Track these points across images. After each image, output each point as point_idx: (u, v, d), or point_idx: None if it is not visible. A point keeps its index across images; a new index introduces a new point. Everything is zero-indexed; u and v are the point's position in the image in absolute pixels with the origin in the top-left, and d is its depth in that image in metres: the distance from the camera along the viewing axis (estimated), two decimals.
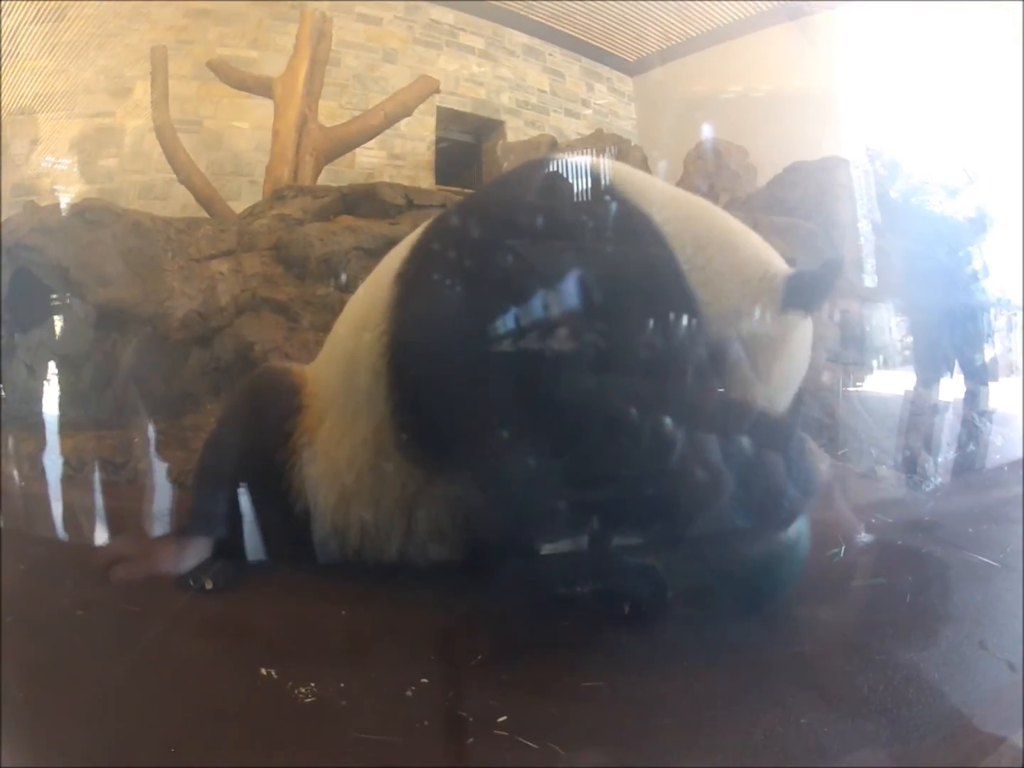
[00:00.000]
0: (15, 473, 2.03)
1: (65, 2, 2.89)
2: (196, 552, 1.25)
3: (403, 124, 2.46)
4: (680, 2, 2.91)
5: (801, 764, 0.76)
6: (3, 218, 2.54)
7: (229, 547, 1.24)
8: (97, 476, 1.99)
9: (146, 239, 1.99)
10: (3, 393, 2.59)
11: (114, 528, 1.73)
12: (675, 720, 0.83)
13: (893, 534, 1.47)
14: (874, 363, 2.62)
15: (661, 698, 0.87)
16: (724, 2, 3.05)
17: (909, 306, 2.67)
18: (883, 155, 3.05)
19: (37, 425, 2.18)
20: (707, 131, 2.61)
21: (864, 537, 1.42)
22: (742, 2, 3.12)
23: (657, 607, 1.09)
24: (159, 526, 1.53)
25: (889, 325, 2.64)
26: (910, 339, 2.70)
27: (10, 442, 2.18)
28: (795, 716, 0.82)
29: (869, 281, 2.67)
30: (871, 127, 3.02)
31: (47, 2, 2.88)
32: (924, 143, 3.09)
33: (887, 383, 2.58)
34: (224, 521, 1.25)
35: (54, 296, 2.30)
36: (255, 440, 1.21)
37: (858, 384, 2.55)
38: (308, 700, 0.87)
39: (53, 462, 2.03)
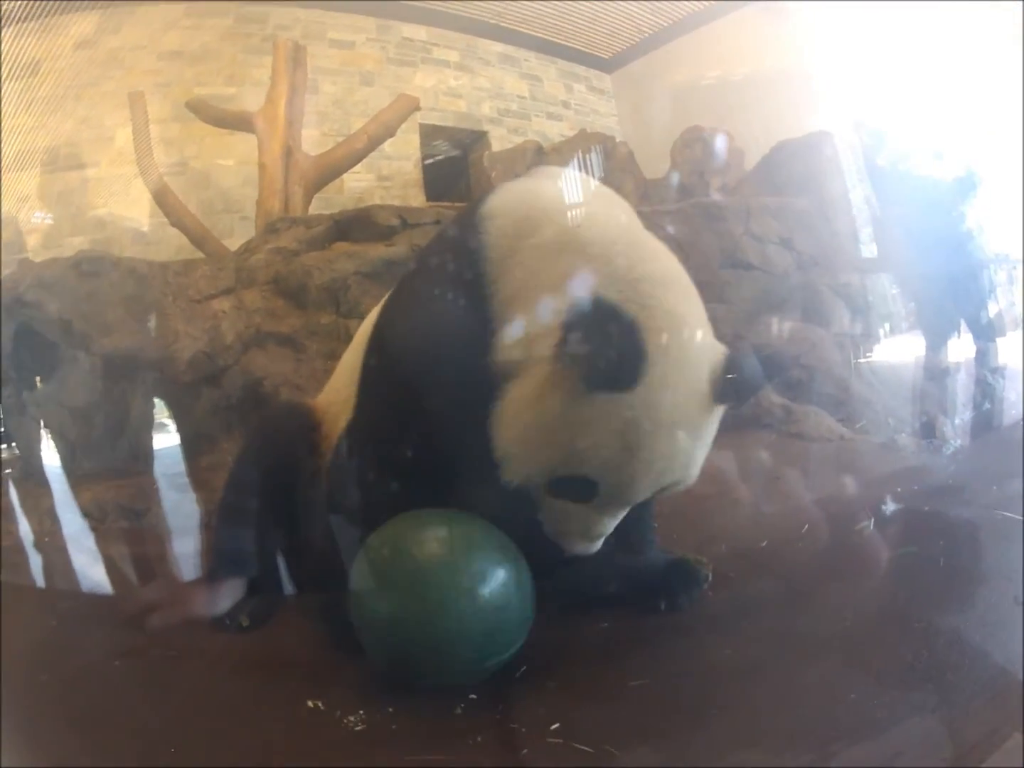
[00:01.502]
0: (35, 529, 2.03)
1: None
2: (228, 592, 1.25)
3: (388, 145, 2.47)
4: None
5: (855, 740, 0.76)
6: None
7: (259, 584, 1.24)
8: (119, 524, 1.99)
9: (144, 285, 2.00)
10: (8, 448, 2.60)
11: (143, 575, 1.73)
12: (723, 711, 0.83)
13: (919, 501, 1.47)
14: (881, 333, 2.62)
15: (707, 689, 0.88)
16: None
17: (909, 273, 2.67)
18: (866, 125, 3.05)
19: (53, 479, 2.18)
20: (692, 120, 2.62)
21: (891, 507, 1.42)
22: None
23: (690, 598, 1.08)
24: (188, 570, 1.53)
25: (891, 294, 2.64)
26: (914, 305, 2.70)
27: (26, 498, 2.19)
28: (844, 693, 0.83)
29: (867, 252, 2.68)
30: (850, 100, 3.03)
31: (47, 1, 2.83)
32: (906, 109, 3.08)
33: (896, 351, 2.59)
34: (251, 559, 1.25)
35: (58, 350, 2.30)
36: (275, 477, 1.21)
37: (868, 356, 2.55)
38: (358, 728, 0.87)
39: (73, 515, 2.04)
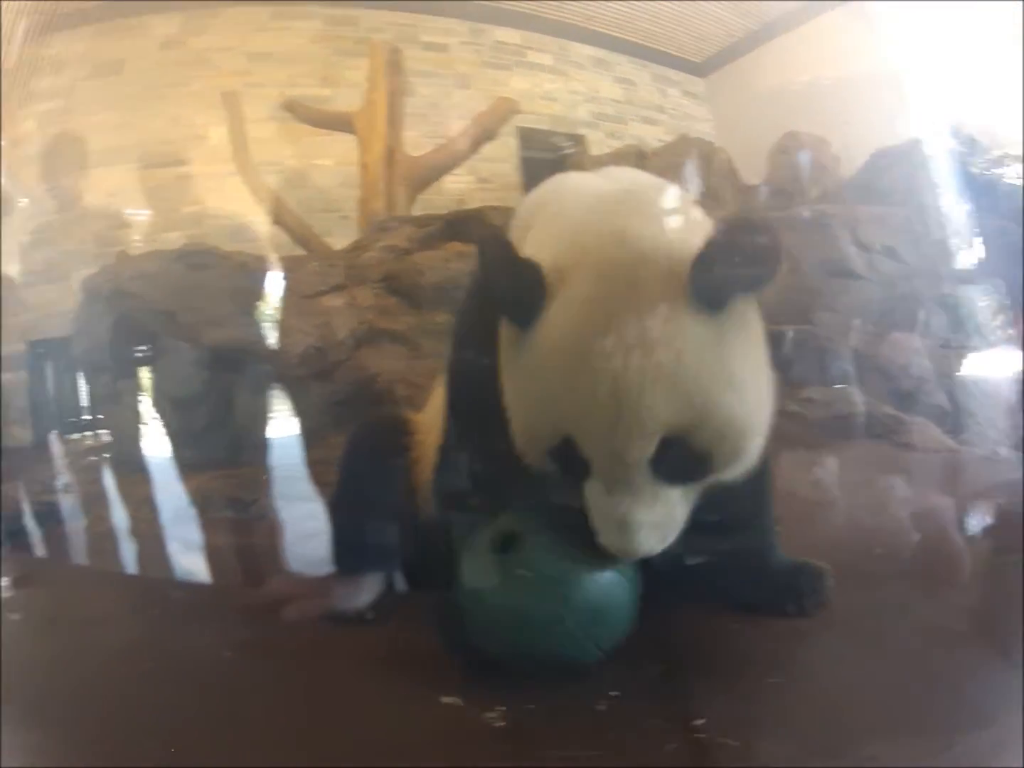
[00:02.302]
0: (132, 515, 2.07)
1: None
2: (370, 587, 1.25)
3: (486, 147, 2.49)
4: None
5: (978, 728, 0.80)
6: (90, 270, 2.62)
7: (388, 580, 1.25)
8: (224, 515, 2.02)
9: (254, 279, 2.03)
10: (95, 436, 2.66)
11: (254, 566, 1.74)
12: (855, 705, 0.85)
13: (1021, 512, 1.47)
14: (981, 344, 2.56)
15: (838, 686, 0.90)
16: None
17: (1009, 283, 2.60)
18: (960, 132, 2.99)
19: (152, 467, 2.22)
20: (786, 125, 2.59)
21: (994, 518, 1.42)
22: None
23: (817, 602, 1.07)
24: (302, 563, 1.54)
25: (991, 305, 2.57)
26: (1013, 316, 2.64)
27: (121, 485, 2.23)
28: (960, 687, 0.86)
29: (967, 262, 2.61)
30: (944, 105, 2.96)
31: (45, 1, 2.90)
32: (998, 115, 3.01)
33: (996, 364, 2.53)
34: (390, 554, 1.24)
35: (159, 340, 2.35)
36: (372, 480, 1.22)
37: (969, 367, 2.50)
38: (500, 724, 0.86)
39: (172, 503, 2.07)
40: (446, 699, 0.91)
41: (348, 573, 1.24)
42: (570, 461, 0.82)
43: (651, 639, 0.98)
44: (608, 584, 0.89)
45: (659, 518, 0.81)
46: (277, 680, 1.04)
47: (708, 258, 0.76)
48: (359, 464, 1.25)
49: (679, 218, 0.90)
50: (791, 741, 0.80)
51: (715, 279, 0.76)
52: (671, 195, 0.96)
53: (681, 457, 0.79)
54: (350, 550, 1.24)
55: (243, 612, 1.34)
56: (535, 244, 0.91)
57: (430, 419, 1.22)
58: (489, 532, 0.93)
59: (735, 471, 0.85)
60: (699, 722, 0.82)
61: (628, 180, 1.01)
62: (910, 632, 1.02)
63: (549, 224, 0.94)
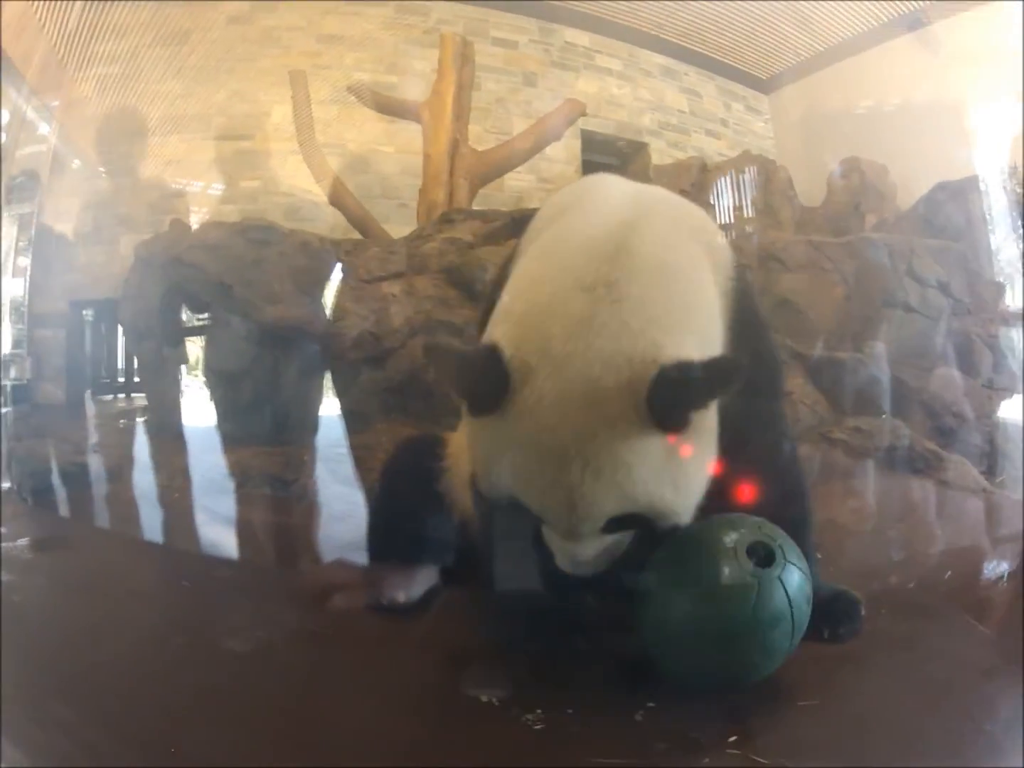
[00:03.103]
0: (163, 484, 2.08)
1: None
2: (423, 579, 1.28)
3: (550, 147, 2.49)
4: (805, 13, 2.88)
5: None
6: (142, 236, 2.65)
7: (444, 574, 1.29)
8: (261, 491, 2.03)
9: (315, 259, 2.06)
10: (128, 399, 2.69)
11: (288, 546, 1.76)
12: (885, 728, 0.88)
13: None
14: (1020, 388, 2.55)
15: (870, 710, 0.93)
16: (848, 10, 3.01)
17: None
18: (1018, 171, 2.96)
19: (188, 438, 2.24)
20: (846, 149, 2.58)
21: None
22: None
23: (852, 630, 1.11)
24: (343, 548, 1.55)
25: None
26: None
27: (157, 453, 2.25)
28: (982, 722, 0.90)
29: (1017, 304, 2.59)
30: (1003, 140, 2.94)
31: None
32: None
33: None
34: (441, 548, 1.27)
35: (211, 312, 2.38)
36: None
37: (1008, 410, 2.49)
38: (538, 727, 0.88)
39: (207, 475, 2.09)
40: (485, 698, 0.94)
41: (401, 564, 1.28)
42: (525, 511, 0.89)
43: None
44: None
45: (602, 551, 0.90)
46: (310, 663, 1.07)
47: (663, 385, 0.81)
48: (403, 470, 1.36)
49: (660, 289, 0.91)
50: (819, 760, 0.84)
51: (672, 403, 0.83)
52: (671, 244, 0.97)
53: (622, 522, 0.88)
54: (401, 542, 1.28)
55: (289, 595, 1.36)
56: (516, 296, 0.95)
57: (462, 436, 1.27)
58: (741, 540, 0.92)
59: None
60: (732, 739, 0.84)
61: (637, 219, 0.98)
62: (937, 664, 1.06)
63: (532, 274, 0.97)
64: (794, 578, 0.90)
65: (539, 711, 0.90)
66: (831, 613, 1.09)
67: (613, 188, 1.10)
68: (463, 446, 1.19)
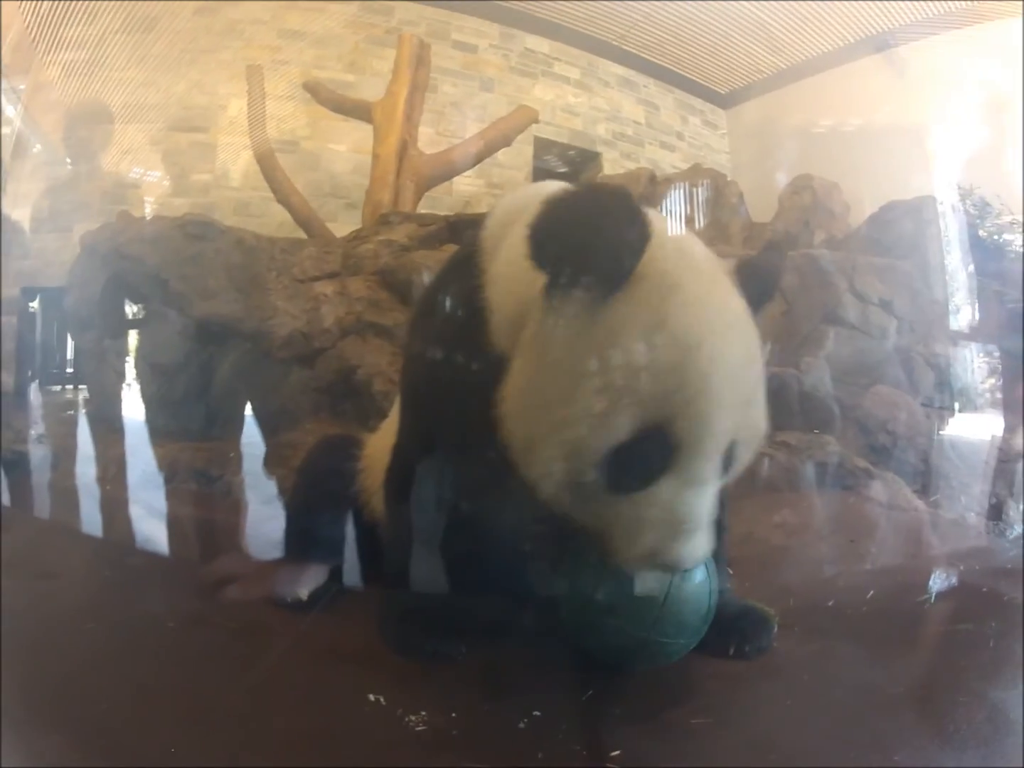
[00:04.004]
0: (99, 475, 2.05)
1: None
2: (313, 576, 1.25)
3: (501, 153, 2.48)
4: (770, 30, 2.90)
5: None
6: (92, 225, 2.61)
7: (336, 573, 1.25)
8: (188, 486, 2.00)
9: (250, 256, 2.02)
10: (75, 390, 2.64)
11: (212, 541, 1.73)
12: (781, 755, 0.85)
13: (980, 581, 1.46)
14: (963, 408, 2.56)
15: (767, 733, 0.89)
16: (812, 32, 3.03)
17: (998, 350, 2.61)
18: (973, 194, 2.99)
19: (124, 431, 2.21)
20: (802, 167, 2.59)
21: (952, 583, 1.42)
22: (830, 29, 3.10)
23: (760, 647, 1.06)
24: (262, 545, 1.53)
25: (977, 369, 2.58)
26: (997, 383, 2.64)
27: (95, 443, 2.21)
28: (891, 753, 0.84)
29: (961, 324, 2.61)
30: (959, 163, 2.97)
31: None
32: (1013, 181, 3.02)
33: (975, 429, 2.54)
34: (337, 547, 1.26)
35: (148, 305, 2.34)
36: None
37: (948, 429, 2.50)
38: (419, 728, 0.85)
39: (140, 468, 2.05)
40: (372, 697, 0.91)
41: (293, 560, 1.25)
42: (643, 458, 0.77)
43: (582, 664, 0.97)
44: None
45: (709, 522, 0.82)
46: (211, 655, 1.04)
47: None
48: (314, 469, 1.32)
49: None
50: None
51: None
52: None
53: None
54: (297, 538, 1.26)
55: (194, 586, 1.34)
56: (509, 259, 0.91)
57: (383, 436, 1.24)
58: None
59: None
60: (615, 753, 0.82)
61: None
62: (846, 690, 1.00)
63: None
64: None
65: (423, 713, 0.88)
66: (739, 629, 1.05)
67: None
68: (381, 448, 1.18)
